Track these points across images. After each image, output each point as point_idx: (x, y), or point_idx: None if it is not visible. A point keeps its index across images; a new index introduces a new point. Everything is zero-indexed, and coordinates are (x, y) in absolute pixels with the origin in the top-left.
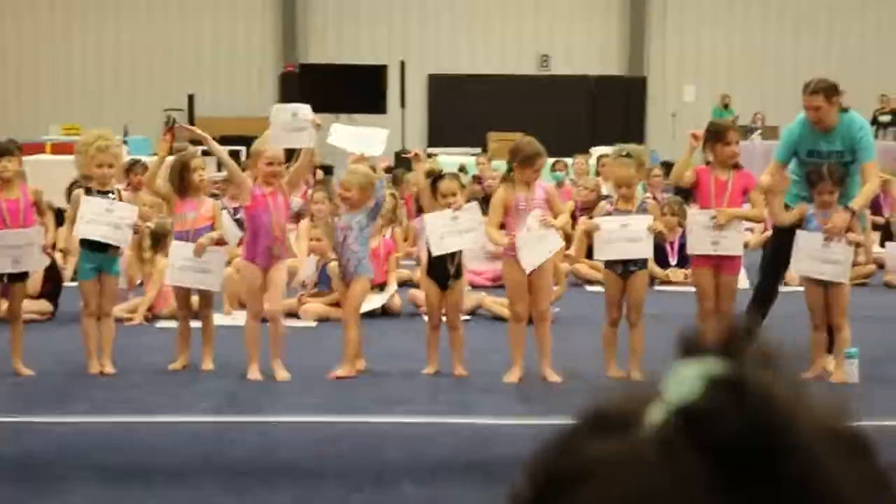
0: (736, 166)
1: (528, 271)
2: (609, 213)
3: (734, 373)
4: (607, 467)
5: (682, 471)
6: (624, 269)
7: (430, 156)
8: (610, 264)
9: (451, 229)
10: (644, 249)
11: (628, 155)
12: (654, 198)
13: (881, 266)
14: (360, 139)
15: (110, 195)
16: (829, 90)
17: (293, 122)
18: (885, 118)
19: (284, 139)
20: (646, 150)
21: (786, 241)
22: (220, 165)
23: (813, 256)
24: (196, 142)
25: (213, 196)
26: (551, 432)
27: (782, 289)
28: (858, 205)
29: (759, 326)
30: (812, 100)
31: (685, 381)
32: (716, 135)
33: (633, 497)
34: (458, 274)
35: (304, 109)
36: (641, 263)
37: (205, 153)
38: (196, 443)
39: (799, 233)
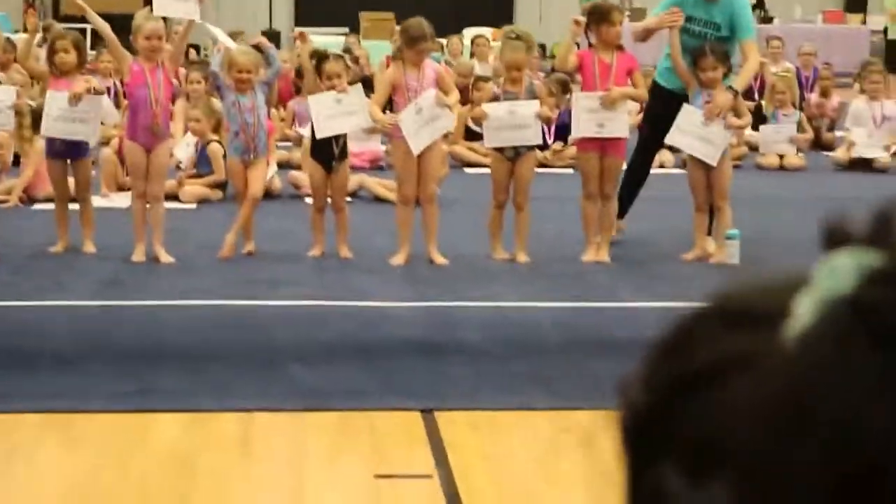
0: (619, 48)
1: (416, 152)
2: (496, 98)
3: (892, 263)
4: (760, 362)
5: (855, 365)
6: (513, 151)
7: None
8: (499, 149)
9: (336, 111)
10: (533, 135)
11: (518, 38)
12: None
13: (753, 149)
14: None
15: None
16: None
17: None
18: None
19: (170, 7)
20: (539, 35)
21: (661, 121)
22: (94, 42)
23: (690, 132)
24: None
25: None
26: (664, 329)
27: (661, 171)
28: (741, 84)
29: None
30: None
31: (839, 272)
32: (600, 16)
33: (802, 392)
34: (344, 155)
35: None
36: (528, 147)
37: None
38: (81, 327)
39: (685, 106)
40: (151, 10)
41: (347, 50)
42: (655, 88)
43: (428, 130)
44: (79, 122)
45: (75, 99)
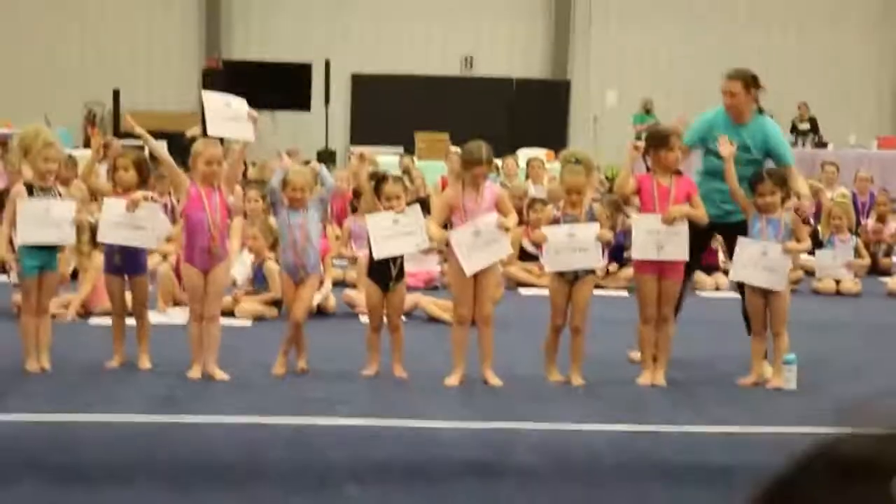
0: (677, 172)
1: (468, 274)
2: (556, 221)
3: None
4: None
5: None
6: (572, 274)
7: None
8: (559, 272)
9: (394, 231)
10: (593, 258)
11: (578, 161)
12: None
13: (809, 273)
14: (234, 122)
15: (52, 193)
16: (748, 79)
17: (229, 112)
18: (804, 126)
19: (223, 128)
20: (593, 157)
21: (691, 247)
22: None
23: (751, 264)
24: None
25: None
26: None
27: (718, 295)
28: (805, 192)
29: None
30: (730, 85)
31: None
32: (658, 141)
33: None
34: (401, 275)
35: (238, 101)
36: (589, 269)
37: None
38: (135, 442)
39: (740, 240)
40: (205, 132)
41: (406, 171)
42: None
43: (484, 254)
44: (136, 228)
45: (133, 206)
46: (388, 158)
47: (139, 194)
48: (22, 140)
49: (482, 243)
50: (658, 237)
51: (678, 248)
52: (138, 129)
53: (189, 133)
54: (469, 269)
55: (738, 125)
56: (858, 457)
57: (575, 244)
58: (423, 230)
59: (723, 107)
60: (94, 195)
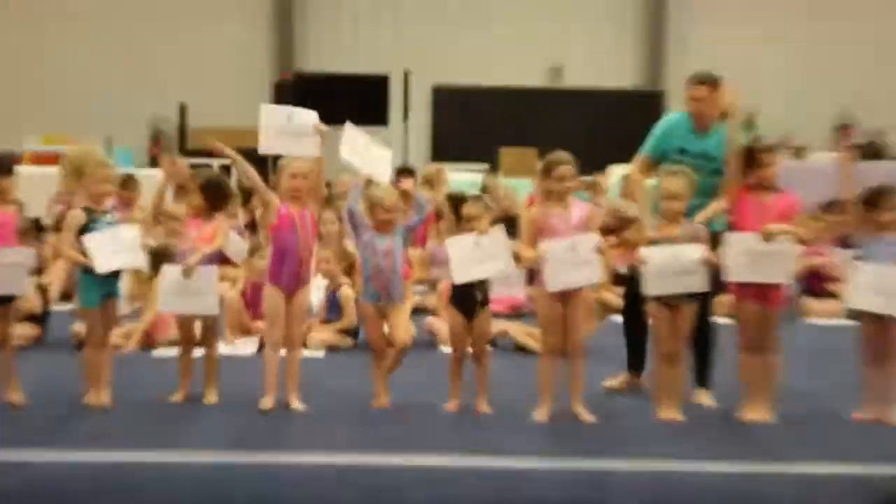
0: (777, 189)
1: (551, 289)
2: (654, 241)
3: None
4: None
5: None
6: (677, 301)
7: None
8: (659, 297)
9: (476, 255)
10: (699, 283)
11: (680, 171)
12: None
13: None
14: (368, 158)
15: (108, 217)
16: (714, 82)
17: (289, 127)
18: None
19: (278, 144)
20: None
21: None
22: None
23: (871, 287)
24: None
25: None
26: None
27: (828, 322)
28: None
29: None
30: (696, 90)
31: None
32: (751, 158)
33: None
34: (486, 302)
35: (304, 114)
36: (693, 294)
37: (224, 167)
38: (203, 484)
39: (857, 265)
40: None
41: (485, 189)
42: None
43: (573, 275)
44: (194, 295)
45: (188, 272)
46: (469, 177)
47: (194, 259)
48: (72, 162)
49: (575, 263)
50: (755, 258)
51: (778, 270)
52: (227, 151)
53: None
54: (555, 285)
55: (701, 133)
56: None
57: (679, 266)
58: (507, 252)
59: (685, 113)
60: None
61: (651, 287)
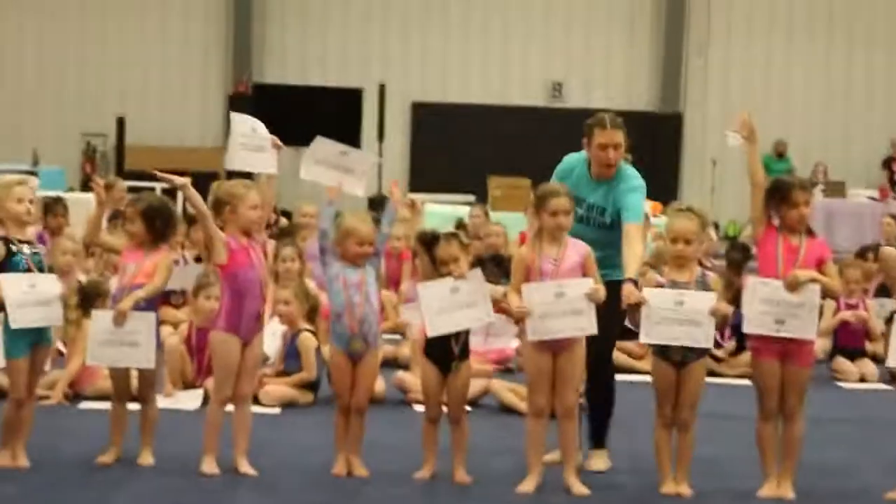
0: (809, 232)
1: (531, 338)
2: (660, 286)
3: None
4: None
5: None
6: (680, 356)
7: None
8: (662, 351)
9: (452, 303)
10: (703, 336)
11: (689, 209)
12: (709, 267)
13: None
14: (342, 168)
15: (30, 255)
16: (623, 126)
17: (253, 139)
18: None
19: (245, 159)
20: (710, 211)
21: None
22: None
23: None
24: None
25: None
26: None
27: (863, 385)
28: (634, 272)
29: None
30: (615, 135)
31: None
32: (779, 195)
33: None
34: (464, 354)
35: (260, 126)
36: (700, 351)
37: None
38: None
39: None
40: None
41: (461, 226)
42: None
43: (560, 323)
44: (128, 345)
45: (121, 318)
46: (452, 210)
47: (127, 304)
48: None
49: (561, 311)
50: (779, 308)
51: (804, 324)
52: (175, 180)
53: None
54: (536, 334)
55: (601, 181)
56: None
57: (683, 315)
58: (487, 300)
59: (583, 157)
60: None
61: (649, 334)
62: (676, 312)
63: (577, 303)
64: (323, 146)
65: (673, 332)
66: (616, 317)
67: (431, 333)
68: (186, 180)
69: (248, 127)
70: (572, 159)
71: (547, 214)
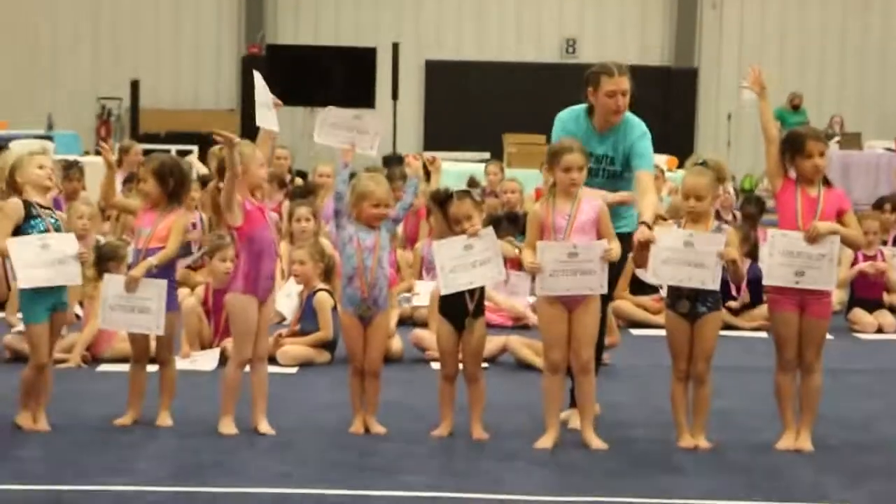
0: (826, 182)
1: (541, 293)
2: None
3: None
4: None
5: None
6: (692, 309)
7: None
8: (674, 303)
9: (464, 261)
10: (710, 278)
11: (705, 163)
12: (729, 221)
13: None
14: (356, 129)
15: (50, 219)
16: (630, 73)
17: (267, 96)
18: None
19: (271, 117)
20: (726, 167)
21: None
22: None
23: None
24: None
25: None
26: None
27: (881, 336)
28: (650, 217)
29: None
30: (623, 82)
31: None
32: (793, 146)
33: None
34: (479, 311)
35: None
36: (712, 303)
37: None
38: None
39: None
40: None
41: (473, 183)
42: None
43: (570, 281)
44: (138, 311)
45: (133, 284)
46: (468, 167)
47: (139, 271)
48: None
49: (572, 269)
50: (798, 260)
51: (823, 275)
52: (234, 139)
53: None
54: (548, 289)
55: (607, 132)
56: None
57: (690, 256)
58: (499, 257)
59: (583, 110)
60: (116, 212)
61: (656, 273)
62: (684, 252)
63: (590, 263)
64: (336, 111)
65: (680, 273)
66: (615, 271)
67: (444, 291)
68: (233, 137)
69: (262, 84)
70: (569, 116)
71: (560, 170)
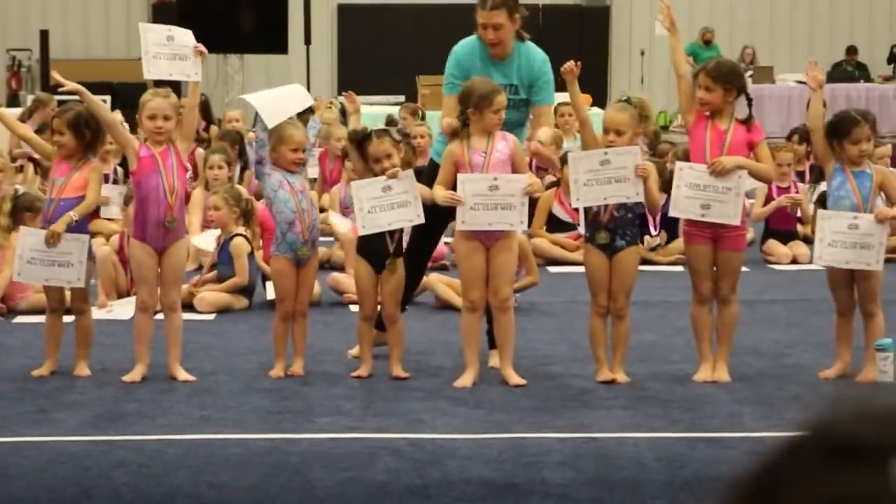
0: (749, 119)
1: (459, 228)
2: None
3: None
4: None
5: None
6: (611, 241)
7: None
8: (593, 236)
9: (383, 202)
10: (631, 190)
11: (629, 100)
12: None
13: None
14: (175, 56)
15: None
16: (512, 5)
17: (170, 47)
18: None
19: (164, 67)
20: (650, 106)
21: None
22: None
23: (839, 241)
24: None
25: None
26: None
27: (794, 267)
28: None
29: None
30: (492, 16)
31: None
32: (838, 131)
33: None
34: (399, 252)
35: (182, 34)
36: (631, 237)
37: None
38: (71, 468)
39: (822, 213)
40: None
41: (391, 122)
42: (432, 169)
43: (490, 216)
44: (58, 265)
45: (54, 239)
46: (382, 110)
47: (60, 226)
48: None
49: (493, 203)
50: (704, 193)
51: (729, 209)
52: (70, 85)
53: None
54: (465, 224)
55: (501, 61)
56: (853, 438)
57: (608, 173)
58: (418, 200)
59: (477, 39)
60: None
61: (580, 198)
62: (602, 171)
63: (511, 198)
64: (152, 35)
65: (604, 192)
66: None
67: (362, 232)
68: (80, 87)
69: (161, 36)
70: (464, 49)
71: (491, 112)
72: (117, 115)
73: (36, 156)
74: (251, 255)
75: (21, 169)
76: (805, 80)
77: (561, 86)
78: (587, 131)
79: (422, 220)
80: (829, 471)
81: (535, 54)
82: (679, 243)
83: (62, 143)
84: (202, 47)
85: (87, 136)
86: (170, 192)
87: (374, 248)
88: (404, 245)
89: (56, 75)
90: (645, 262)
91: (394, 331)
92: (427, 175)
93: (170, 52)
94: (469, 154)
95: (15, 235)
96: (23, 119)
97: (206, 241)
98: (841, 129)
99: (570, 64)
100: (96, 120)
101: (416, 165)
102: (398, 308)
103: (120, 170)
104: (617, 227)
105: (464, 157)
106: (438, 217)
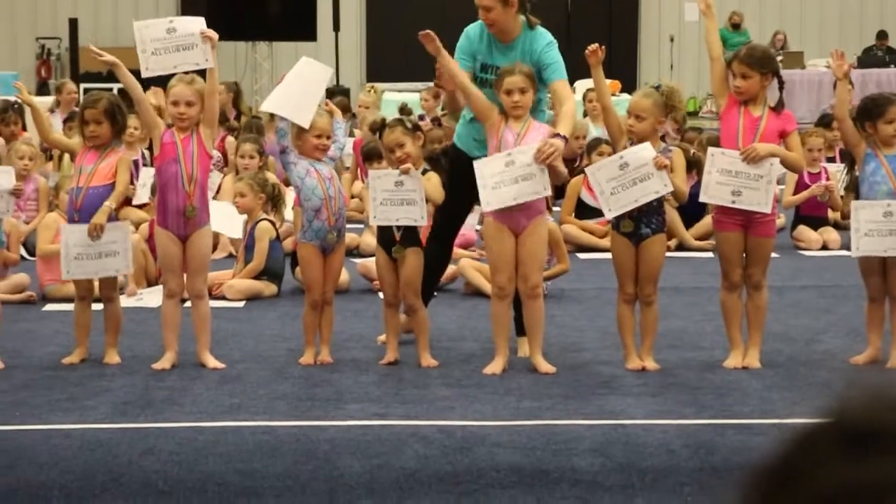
0: (780, 105)
1: (485, 209)
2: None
3: None
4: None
5: None
6: (636, 229)
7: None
8: (618, 223)
9: (394, 196)
10: (659, 184)
11: (658, 87)
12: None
13: None
14: (178, 48)
15: None
16: None
17: (171, 40)
18: None
19: (167, 61)
20: (681, 94)
21: (460, 195)
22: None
23: (875, 229)
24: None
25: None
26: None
27: (825, 253)
28: (567, 129)
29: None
30: None
31: None
32: (871, 111)
33: None
34: (408, 241)
35: (187, 22)
36: (657, 225)
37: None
38: (101, 455)
39: (854, 203)
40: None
41: (404, 110)
42: (455, 154)
43: (513, 190)
44: (105, 256)
45: (97, 232)
46: (413, 96)
47: (101, 217)
48: None
49: (512, 178)
50: (736, 180)
51: (760, 196)
52: (107, 57)
53: None
54: (488, 203)
55: (506, 45)
56: (872, 425)
57: (633, 174)
58: (423, 201)
59: (482, 24)
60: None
61: (612, 208)
62: (625, 175)
63: (528, 168)
64: (149, 32)
65: (632, 196)
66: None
67: (373, 222)
68: (116, 60)
69: (159, 31)
70: (474, 30)
71: (502, 93)
72: (155, 97)
73: None
74: (276, 240)
75: (51, 157)
76: (700, 8)
77: (586, 71)
78: (611, 118)
79: (424, 222)
80: (847, 458)
81: (540, 38)
82: (707, 225)
83: (98, 134)
84: (211, 32)
85: (120, 122)
86: (188, 180)
87: (387, 237)
88: (422, 235)
89: (93, 48)
90: (679, 248)
91: (416, 319)
92: (450, 158)
93: (171, 44)
94: (504, 131)
95: (49, 218)
96: (51, 110)
97: (227, 225)
98: (875, 109)
99: (594, 46)
100: (122, 106)
101: (443, 146)
102: (418, 297)
103: (147, 154)
104: (642, 216)
105: (499, 131)
106: (461, 203)
